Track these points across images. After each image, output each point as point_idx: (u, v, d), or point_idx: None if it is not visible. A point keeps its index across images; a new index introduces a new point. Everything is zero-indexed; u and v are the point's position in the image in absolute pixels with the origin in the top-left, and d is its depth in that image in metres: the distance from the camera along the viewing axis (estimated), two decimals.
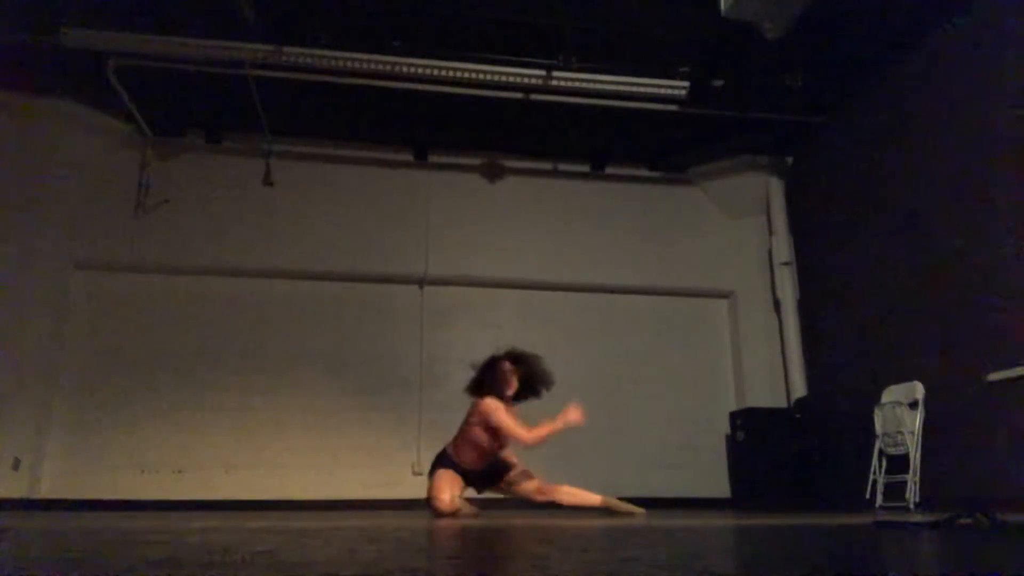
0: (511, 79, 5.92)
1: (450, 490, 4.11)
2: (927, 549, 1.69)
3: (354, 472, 6.33)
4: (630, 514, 4.09)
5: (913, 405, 5.27)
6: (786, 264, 7.17)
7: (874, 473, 5.49)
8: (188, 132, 6.89)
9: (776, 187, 7.40)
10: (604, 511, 4.17)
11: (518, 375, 4.23)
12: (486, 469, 4.29)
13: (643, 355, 7.13)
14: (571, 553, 1.50)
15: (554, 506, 4.27)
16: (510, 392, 4.20)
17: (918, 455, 5.13)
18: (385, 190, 7.05)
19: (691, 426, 6.94)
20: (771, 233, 7.34)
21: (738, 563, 1.40)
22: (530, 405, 4.34)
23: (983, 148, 4.91)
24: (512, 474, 4.32)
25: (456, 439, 4.30)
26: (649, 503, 6.53)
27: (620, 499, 4.29)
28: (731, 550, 1.71)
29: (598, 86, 6.00)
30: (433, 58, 5.80)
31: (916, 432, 5.17)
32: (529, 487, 4.28)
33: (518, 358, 4.28)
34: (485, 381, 4.23)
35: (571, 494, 4.25)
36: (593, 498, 4.23)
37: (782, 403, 6.86)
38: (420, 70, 5.80)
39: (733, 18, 5.21)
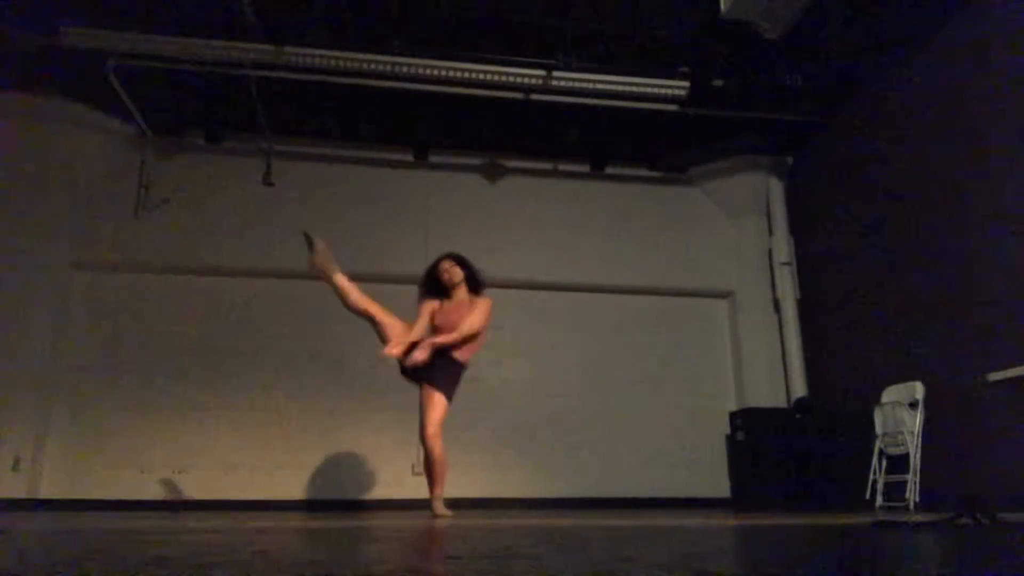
0: (511, 79, 5.92)
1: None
2: (927, 549, 1.69)
3: (354, 472, 6.33)
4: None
5: (913, 405, 5.27)
6: (786, 264, 7.17)
7: (874, 473, 5.49)
8: (188, 132, 6.90)
9: (776, 187, 7.40)
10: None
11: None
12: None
13: (643, 355, 7.12)
14: (571, 553, 1.50)
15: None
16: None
17: (918, 455, 5.13)
18: (385, 190, 7.05)
19: (691, 426, 6.94)
20: (771, 233, 7.34)
21: (738, 563, 1.40)
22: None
23: (983, 147, 4.90)
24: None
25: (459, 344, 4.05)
26: (649, 503, 6.57)
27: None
28: (731, 550, 1.71)
29: (598, 86, 6.00)
30: (433, 58, 5.80)
31: (916, 432, 5.17)
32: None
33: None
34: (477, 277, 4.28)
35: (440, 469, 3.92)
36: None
37: (782, 403, 6.86)
38: (420, 70, 5.80)
39: (733, 18, 5.22)
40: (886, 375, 5.64)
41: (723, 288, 7.38)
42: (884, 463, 5.48)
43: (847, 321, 6.38)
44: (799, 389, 6.83)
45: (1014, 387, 4.48)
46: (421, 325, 4.11)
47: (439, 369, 3.95)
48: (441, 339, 3.96)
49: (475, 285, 4.27)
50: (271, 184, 6.52)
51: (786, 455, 6.07)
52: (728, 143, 7.25)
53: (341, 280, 4.13)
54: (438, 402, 3.86)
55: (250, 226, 6.71)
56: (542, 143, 7.29)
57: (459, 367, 4.04)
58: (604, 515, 4.11)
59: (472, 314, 4.06)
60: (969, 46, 5.07)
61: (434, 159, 7.26)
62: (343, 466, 6.34)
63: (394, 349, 3.87)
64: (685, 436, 6.89)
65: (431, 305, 4.22)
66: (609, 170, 7.53)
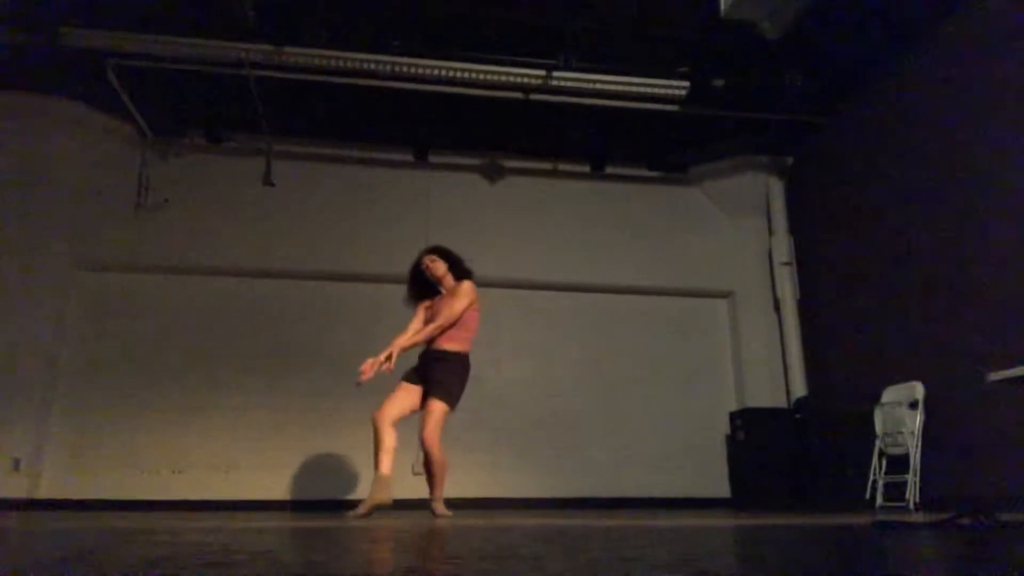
0: (511, 79, 5.92)
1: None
2: (927, 549, 1.69)
3: (354, 472, 6.33)
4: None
5: (913, 405, 5.27)
6: (786, 264, 7.17)
7: (874, 473, 5.49)
8: (188, 132, 6.89)
9: (776, 187, 7.40)
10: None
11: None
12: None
13: (643, 355, 7.12)
14: (571, 553, 1.50)
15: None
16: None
17: (918, 455, 5.13)
18: (385, 190, 7.05)
19: (691, 426, 6.94)
20: (771, 233, 7.34)
21: (737, 563, 1.40)
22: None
23: (984, 146, 4.90)
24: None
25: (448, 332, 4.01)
26: (649, 503, 6.57)
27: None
28: (731, 550, 1.71)
29: (598, 86, 6.00)
30: (433, 58, 5.80)
31: (916, 432, 5.17)
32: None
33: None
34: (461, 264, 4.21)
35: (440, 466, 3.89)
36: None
37: (782, 403, 6.86)
38: (420, 70, 5.81)
39: (733, 18, 5.22)
40: (886, 375, 5.64)
41: (723, 288, 7.38)
42: (884, 463, 5.48)
43: (847, 321, 6.38)
44: (799, 389, 6.83)
45: (1014, 387, 4.47)
46: (412, 329, 4.09)
47: (433, 371, 3.96)
48: (401, 341, 3.93)
49: (460, 273, 4.18)
50: (271, 184, 6.52)
51: (786, 455, 6.07)
52: (728, 143, 7.25)
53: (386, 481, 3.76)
54: (435, 405, 3.86)
55: (250, 226, 6.71)
56: (542, 143, 7.29)
57: (454, 358, 3.98)
58: (604, 515, 4.11)
59: (451, 302, 4.01)
60: (969, 45, 5.07)
61: (434, 159, 7.26)
62: (343, 466, 6.33)
63: (366, 375, 3.87)
64: (685, 436, 6.89)
65: (424, 305, 4.22)
66: (609, 170, 7.53)
